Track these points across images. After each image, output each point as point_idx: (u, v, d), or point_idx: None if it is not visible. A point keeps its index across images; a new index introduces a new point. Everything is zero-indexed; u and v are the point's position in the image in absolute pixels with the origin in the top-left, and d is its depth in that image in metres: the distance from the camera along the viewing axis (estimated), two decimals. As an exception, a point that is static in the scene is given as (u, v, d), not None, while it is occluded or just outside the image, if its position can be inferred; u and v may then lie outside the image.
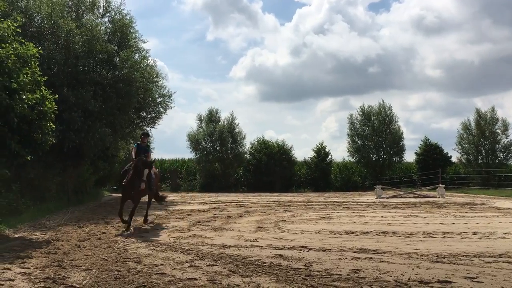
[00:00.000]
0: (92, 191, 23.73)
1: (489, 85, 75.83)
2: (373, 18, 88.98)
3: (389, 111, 44.43)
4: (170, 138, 71.76)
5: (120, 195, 12.50)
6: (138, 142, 12.65)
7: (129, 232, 10.66)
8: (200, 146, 40.51)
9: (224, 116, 42.94)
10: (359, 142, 44.39)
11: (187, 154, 44.95)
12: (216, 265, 6.93)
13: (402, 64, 78.14)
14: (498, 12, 72.06)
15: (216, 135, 40.29)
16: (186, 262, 7.16)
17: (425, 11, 79.41)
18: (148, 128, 23.92)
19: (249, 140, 48.54)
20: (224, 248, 8.40)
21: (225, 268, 6.71)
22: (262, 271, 6.48)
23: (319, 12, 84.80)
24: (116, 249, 8.43)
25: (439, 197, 24.60)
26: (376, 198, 24.48)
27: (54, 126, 10.97)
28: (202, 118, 42.59)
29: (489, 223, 12.07)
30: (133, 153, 11.84)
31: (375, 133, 43.58)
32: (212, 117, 42.37)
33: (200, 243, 9.01)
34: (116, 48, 19.20)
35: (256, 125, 79.12)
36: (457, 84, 74.44)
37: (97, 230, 11.01)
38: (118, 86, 18.09)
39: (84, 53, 17.79)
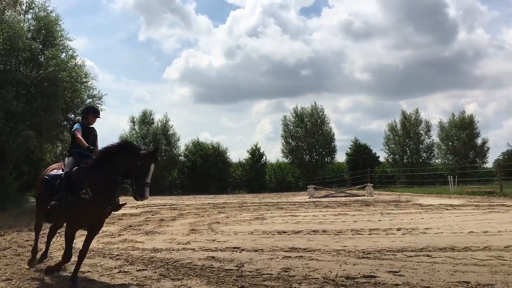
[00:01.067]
0: (16, 197, 22.38)
1: (413, 89, 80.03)
2: (305, 22, 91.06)
3: (321, 113, 45.80)
4: (102, 140, 69.07)
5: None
6: (79, 121, 7.26)
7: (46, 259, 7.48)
8: (133, 149, 39.56)
9: (158, 118, 42.21)
10: (293, 143, 45.38)
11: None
12: (146, 269, 6.78)
13: (333, 68, 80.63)
14: (420, 20, 76.24)
15: (149, 137, 39.59)
16: (115, 268, 6.94)
17: (353, 17, 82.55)
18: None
19: (183, 142, 48.10)
20: (155, 252, 8.24)
21: (155, 272, 6.58)
22: (194, 273, 6.42)
23: (253, 15, 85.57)
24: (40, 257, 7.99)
25: (367, 196, 25.64)
26: (309, 198, 25.07)
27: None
28: (135, 120, 41.69)
29: (412, 219, 12.74)
30: (79, 136, 6.71)
31: (308, 135, 44.75)
32: (145, 119, 41.56)
33: (131, 247, 8.77)
34: (40, 46, 18.29)
35: (191, 127, 78.49)
36: (384, 88, 77.90)
37: (19, 238, 10.40)
38: (43, 86, 17.23)
39: (5, 51, 16.78)
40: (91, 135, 7.09)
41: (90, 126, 7.16)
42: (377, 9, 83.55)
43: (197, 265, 6.95)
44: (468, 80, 75.45)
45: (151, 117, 41.54)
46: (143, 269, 6.79)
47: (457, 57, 75.59)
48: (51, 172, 6.72)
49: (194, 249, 8.49)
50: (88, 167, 6.31)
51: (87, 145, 6.64)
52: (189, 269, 6.72)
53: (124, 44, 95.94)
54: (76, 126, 6.94)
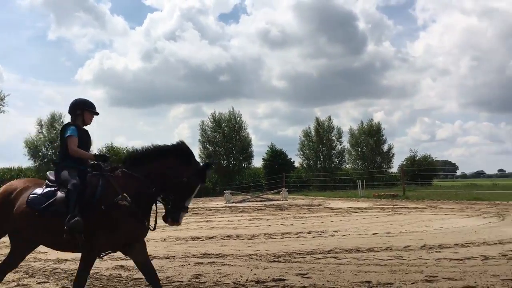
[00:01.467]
0: None
1: (326, 97, 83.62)
2: (223, 28, 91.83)
3: (238, 119, 46.18)
4: (4, 144, 64.53)
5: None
6: (72, 124, 5.37)
7: None
8: (40, 154, 37.24)
9: (68, 121, 40.16)
10: (210, 148, 45.31)
11: (25, 162, 40.94)
12: (47, 282, 6.39)
13: (251, 74, 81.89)
14: (332, 31, 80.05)
15: (58, 142, 37.48)
16: (13, 281, 6.46)
17: (270, 25, 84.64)
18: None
19: (96, 147, 45.99)
20: (59, 263, 7.78)
21: (57, 284, 6.22)
22: (100, 284, 6.16)
23: (171, 19, 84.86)
24: None
25: (282, 200, 26.25)
26: (226, 203, 25.13)
27: None
28: (43, 123, 39.33)
29: (322, 222, 13.23)
30: (76, 148, 5.14)
31: (226, 140, 44.90)
32: (54, 122, 39.30)
33: (32, 258, 8.20)
34: None
35: (106, 131, 75.54)
36: (299, 95, 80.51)
37: None
38: None
39: None
40: (88, 141, 5.51)
41: (86, 124, 5.46)
42: (292, 19, 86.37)
43: (104, 275, 6.67)
44: (376, 90, 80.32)
45: (61, 120, 39.41)
46: (45, 282, 6.40)
47: (366, 67, 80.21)
48: (36, 190, 4.92)
49: (102, 258, 8.13)
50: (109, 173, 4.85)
51: (92, 154, 5.20)
52: (95, 279, 6.43)
53: (32, 42, 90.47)
54: (70, 131, 5.15)
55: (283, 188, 28.97)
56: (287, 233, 10.84)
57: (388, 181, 43.28)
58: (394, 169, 48.69)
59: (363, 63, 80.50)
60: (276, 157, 46.04)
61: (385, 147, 48.20)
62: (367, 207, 19.00)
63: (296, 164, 48.41)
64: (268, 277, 6.28)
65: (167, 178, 4.70)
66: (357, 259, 7.35)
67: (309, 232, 10.81)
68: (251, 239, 10.12)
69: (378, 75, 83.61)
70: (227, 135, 44.71)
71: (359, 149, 48.11)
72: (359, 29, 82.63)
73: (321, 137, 46.72)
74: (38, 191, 4.90)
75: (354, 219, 14.02)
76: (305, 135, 47.77)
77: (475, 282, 5.54)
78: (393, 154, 48.72)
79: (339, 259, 7.40)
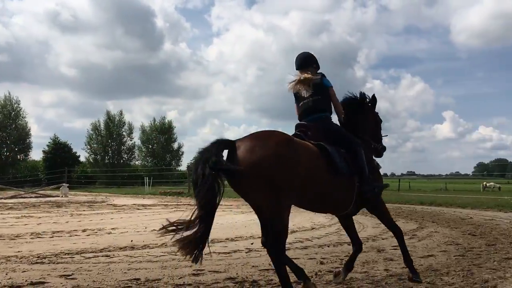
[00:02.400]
0: None
1: (121, 91, 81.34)
2: (4, 3, 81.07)
3: (16, 105, 41.35)
4: None
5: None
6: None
7: None
8: None
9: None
10: (-23, 136, 39.40)
11: None
12: None
13: (35, 58, 74.40)
14: (130, 24, 78.32)
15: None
16: None
17: (61, 7, 78.31)
18: None
19: None
20: None
21: None
22: None
23: None
24: None
25: (62, 196, 24.39)
26: (-9, 199, 22.08)
27: None
28: None
29: (102, 219, 12.66)
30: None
31: (-1, 128, 39.63)
32: None
33: None
34: None
35: None
36: (92, 86, 76.46)
37: None
38: None
39: None
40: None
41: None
42: (87, 4, 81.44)
43: None
44: (170, 89, 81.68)
45: None
46: None
47: (162, 66, 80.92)
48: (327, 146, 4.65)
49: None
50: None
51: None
52: None
53: None
54: (329, 81, 5.21)
55: (63, 184, 26.91)
56: (58, 231, 10.00)
57: (177, 179, 44.28)
58: (183, 167, 50.18)
59: (160, 60, 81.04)
60: (59, 150, 42.67)
61: (176, 146, 49.23)
62: (151, 204, 18.99)
63: (82, 159, 45.71)
64: (26, 280, 5.63)
65: None
66: (130, 256, 7.18)
67: (84, 230, 10.18)
68: (14, 239, 9.00)
69: (174, 75, 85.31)
70: (1, 123, 39.47)
71: (150, 146, 48.04)
72: (157, 26, 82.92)
73: (111, 132, 45.10)
74: (329, 147, 4.75)
75: (135, 216, 13.82)
76: (94, 129, 45.51)
77: (237, 274, 5.94)
78: (183, 152, 50.10)
79: (111, 257, 7.12)
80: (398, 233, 5.21)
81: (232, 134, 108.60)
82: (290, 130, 5.02)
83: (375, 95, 5.73)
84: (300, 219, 12.39)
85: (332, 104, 5.23)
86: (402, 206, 14.36)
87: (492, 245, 8.25)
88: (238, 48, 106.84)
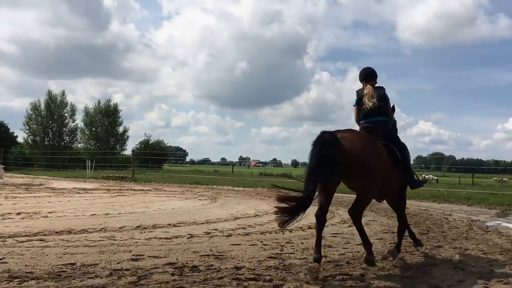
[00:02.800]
0: None
1: (64, 70, 78.08)
2: None
3: None
4: None
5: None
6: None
7: None
8: None
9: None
10: None
11: None
12: None
13: (-29, 30, 69.68)
14: (75, 0, 75.04)
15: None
16: None
17: (2, -21, 73.74)
18: None
19: None
20: None
21: None
22: None
23: None
24: None
25: (-4, 178, 23.19)
26: None
27: None
28: None
29: (38, 203, 12.16)
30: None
31: None
32: None
33: None
34: None
35: None
36: (32, 64, 72.98)
37: None
38: None
39: None
40: None
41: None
42: (29, -23, 77.20)
43: None
44: (117, 71, 79.29)
45: None
46: None
47: (109, 46, 78.34)
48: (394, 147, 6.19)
49: None
50: None
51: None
52: None
53: None
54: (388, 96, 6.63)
55: (-1, 165, 25.61)
56: (-10, 214, 9.51)
57: (121, 163, 43.25)
58: (128, 151, 49.05)
59: (106, 41, 78.48)
60: (-6, 130, 40.44)
61: (121, 129, 47.97)
62: (93, 188, 18.45)
63: (20, 139, 43.62)
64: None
65: None
66: (67, 241, 6.94)
67: (18, 214, 9.73)
68: None
69: (120, 56, 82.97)
70: None
71: (93, 129, 46.54)
72: (104, 5, 79.96)
73: (52, 112, 43.24)
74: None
75: (75, 200, 13.37)
76: (33, 109, 43.45)
77: (177, 259, 5.88)
78: (128, 136, 48.93)
79: (46, 241, 6.85)
80: (404, 221, 6.55)
81: (180, 120, 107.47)
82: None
83: (395, 106, 6.88)
84: (244, 206, 12.46)
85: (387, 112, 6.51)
86: (344, 195, 14.76)
87: (425, 233, 8.68)
88: (188, 32, 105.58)
